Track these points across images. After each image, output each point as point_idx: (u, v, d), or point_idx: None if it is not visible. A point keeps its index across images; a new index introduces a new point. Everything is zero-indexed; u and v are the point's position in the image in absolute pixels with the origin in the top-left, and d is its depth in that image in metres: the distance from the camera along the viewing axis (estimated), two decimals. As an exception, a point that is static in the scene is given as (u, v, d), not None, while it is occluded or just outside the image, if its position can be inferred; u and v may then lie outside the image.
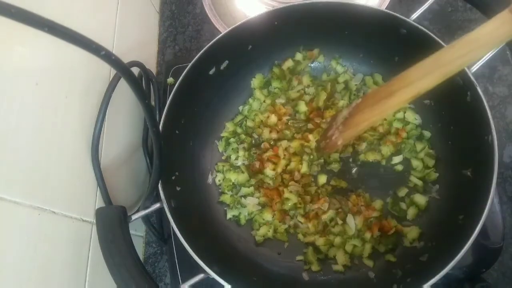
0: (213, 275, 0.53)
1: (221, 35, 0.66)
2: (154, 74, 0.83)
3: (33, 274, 0.45)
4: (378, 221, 0.66)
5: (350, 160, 0.72)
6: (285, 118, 0.74)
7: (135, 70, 0.72)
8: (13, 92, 0.43)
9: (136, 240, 0.62)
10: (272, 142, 0.74)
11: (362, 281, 0.63)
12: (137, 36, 0.82)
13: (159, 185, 0.57)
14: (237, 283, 0.53)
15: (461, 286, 0.62)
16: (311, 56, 0.77)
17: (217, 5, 0.88)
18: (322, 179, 0.70)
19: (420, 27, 0.62)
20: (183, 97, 0.65)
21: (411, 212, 0.66)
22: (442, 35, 0.81)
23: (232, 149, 0.74)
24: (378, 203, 0.68)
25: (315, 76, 0.78)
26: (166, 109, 0.63)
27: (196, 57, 0.65)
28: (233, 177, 0.71)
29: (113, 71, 0.64)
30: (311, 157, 0.71)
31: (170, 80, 0.78)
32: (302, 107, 0.75)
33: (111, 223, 0.52)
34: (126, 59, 0.60)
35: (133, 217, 0.56)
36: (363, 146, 0.71)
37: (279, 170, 0.71)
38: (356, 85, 0.76)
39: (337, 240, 0.66)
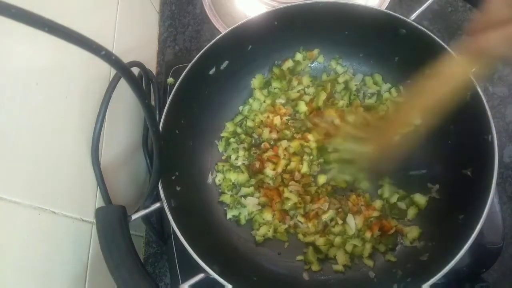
0: (214, 275, 0.53)
1: (221, 35, 0.66)
2: (154, 74, 0.83)
3: (33, 274, 0.45)
4: (378, 221, 0.66)
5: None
6: (285, 118, 0.74)
7: (135, 70, 0.72)
8: (13, 92, 0.43)
9: (136, 240, 0.62)
10: (272, 142, 0.74)
11: (363, 280, 0.63)
12: (137, 36, 0.82)
13: (159, 185, 0.57)
14: (238, 283, 0.53)
15: (461, 286, 0.62)
16: (311, 56, 0.77)
17: (217, 5, 0.88)
18: (322, 179, 0.70)
19: (419, 27, 0.62)
20: (183, 97, 0.65)
21: (411, 212, 0.66)
22: (442, 35, 0.81)
23: (232, 149, 0.74)
24: (378, 203, 0.68)
25: (315, 77, 0.78)
26: (166, 109, 0.63)
27: (196, 57, 0.65)
28: (233, 177, 0.71)
29: (113, 71, 0.64)
30: (311, 157, 0.71)
31: (170, 80, 0.78)
32: (302, 107, 0.75)
33: (111, 222, 0.52)
34: (126, 59, 0.60)
35: (133, 216, 0.55)
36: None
37: (279, 170, 0.71)
38: (356, 85, 0.76)
39: (337, 240, 0.66)
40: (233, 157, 0.73)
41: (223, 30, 0.77)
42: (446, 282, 0.59)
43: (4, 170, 0.41)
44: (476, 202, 0.54)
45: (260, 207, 0.69)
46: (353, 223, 0.66)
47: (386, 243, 0.64)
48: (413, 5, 0.66)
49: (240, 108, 0.77)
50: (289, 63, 0.77)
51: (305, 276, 0.65)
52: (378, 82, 0.75)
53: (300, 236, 0.68)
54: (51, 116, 0.50)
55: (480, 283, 0.61)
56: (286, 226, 0.68)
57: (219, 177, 0.72)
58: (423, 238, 0.63)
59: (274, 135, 0.74)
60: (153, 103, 0.76)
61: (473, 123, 0.59)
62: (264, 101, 0.77)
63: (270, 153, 0.72)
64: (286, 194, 0.69)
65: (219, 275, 0.53)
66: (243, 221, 0.69)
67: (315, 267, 0.65)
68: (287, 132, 0.73)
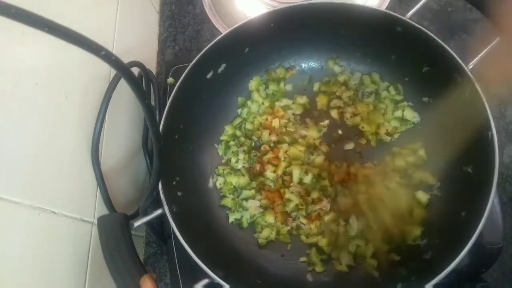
0: (218, 279, 0.53)
1: (217, 39, 0.66)
2: (154, 74, 0.83)
3: (33, 274, 0.45)
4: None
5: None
6: (283, 121, 0.74)
7: (135, 70, 0.72)
8: (13, 92, 0.43)
9: (136, 240, 0.62)
10: (271, 144, 0.74)
11: (367, 280, 0.63)
12: (137, 36, 0.82)
13: (160, 191, 0.57)
14: (242, 287, 0.53)
15: (461, 286, 0.62)
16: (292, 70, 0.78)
17: (217, 5, 0.88)
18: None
19: (415, 24, 0.62)
20: (181, 102, 0.65)
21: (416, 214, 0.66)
22: (442, 35, 0.81)
23: (232, 152, 0.74)
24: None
25: (312, 77, 0.78)
26: (164, 115, 0.63)
27: (193, 62, 0.65)
28: (234, 180, 0.71)
29: (113, 71, 0.64)
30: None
31: (170, 80, 0.78)
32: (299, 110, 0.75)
33: (113, 230, 0.52)
34: (126, 59, 0.60)
35: (135, 224, 0.56)
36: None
37: (280, 172, 0.71)
38: (355, 84, 0.76)
39: (340, 240, 0.66)
40: (233, 160, 0.73)
41: (223, 30, 0.77)
42: (446, 282, 0.59)
43: (4, 170, 0.41)
44: (478, 199, 0.54)
45: (261, 210, 0.69)
46: (355, 223, 0.66)
47: (389, 242, 0.64)
48: (413, 5, 0.67)
49: (239, 111, 0.77)
50: (280, 71, 0.77)
51: (309, 277, 0.65)
52: (376, 81, 0.75)
53: (303, 237, 0.67)
54: (51, 116, 0.50)
55: (480, 283, 0.61)
56: (289, 228, 0.68)
57: (219, 181, 0.72)
58: (426, 236, 0.63)
59: (273, 138, 0.74)
60: (153, 103, 0.76)
61: (472, 120, 0.58)
62: (263, 103, 0.77)
63: (270, 155, 0.72)
64: (287, 195, 0.69)
65: (223, 279, 0.53)
66: (245, 224, 0.69)
67: (318, 268, 0.65)
68: (285, 137, 0.73)
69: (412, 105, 0.72)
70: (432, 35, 0.61)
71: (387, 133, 0.72)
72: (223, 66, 0.71)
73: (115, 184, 0.64)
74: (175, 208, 0.59)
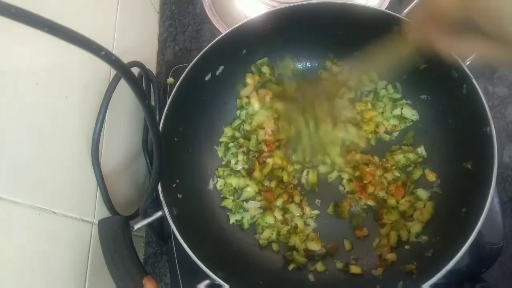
0: (219, 281, 0.53)
1: (214, 41, 0.66)
2: (154, 74, 0.83)
3: (33, 274, 0.45)
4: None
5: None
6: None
7: (135, 70, 0.72)
8: (13, 92, 0.43)
9: (136, 240, 0.62)
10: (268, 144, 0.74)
11: (368, 279, 0.63)
12: (137, 36, 0.82)
13: (160, 194, 0.57)
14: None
15: (461, 286, 0.62)
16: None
17: (217, 5, 0.88)
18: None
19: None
20: (180, 105, 0.65)
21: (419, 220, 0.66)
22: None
23: (232, 153, 0.74)
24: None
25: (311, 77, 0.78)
26: (164, 115, 0.63)
27: (191, 65, 0.65)
28: (234, 181, 0.71)
29: (113, 71, 0.64)
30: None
31: (170, 80, 0.78)
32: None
33: (114, 233, 0.53)
34: (126, 59, 0.60)
35: (136, 226, 0.56)
36: None
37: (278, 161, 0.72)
38: (353, 83, 0.76)
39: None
40: (232, 161, 0.73)
41: (223, 30, 0.77)
42: (446, 282, 0.59)
43: (4, 170, 0.41)
44: (478, 195, 0.54)
45: (262, 210, 0.69)
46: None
47: (391, 240, 0.64)
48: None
49: (238, 112, 0.77)
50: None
51: (311, 277, 0.64)
52: (374, 80, 0.75)
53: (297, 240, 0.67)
54: (51, 116, 0.50)
55: (480, 283, 0.61)
56: (289, 227, 0.68)
57: (220, 183, 0.72)
58: (427, 233, 0.63)
59: (269, 137, 0.74)
60: (153, 103, 0.76)
61: (471, 116, 0.59)
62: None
63: (266, 154, 0.72)
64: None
65: (224, 280, 0.53)
66: (246, 225, 0.69)
67: (320, 267, 0.65)
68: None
69: (410, 103, 0.72)
70: None
71: (386, 132, 0.72)
72: (221, 68, 0.71)
73: (115, 184, 0.64)
74: (176, 211, 0.59)
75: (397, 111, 0.72)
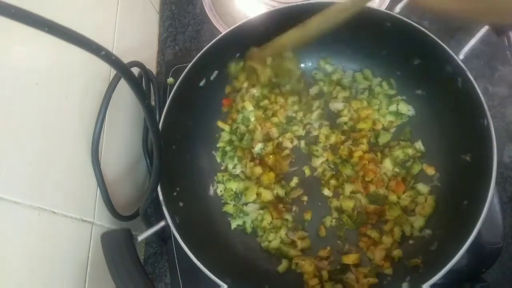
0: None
1: (207, 47, 0.66)
2: (154, 74, 0.83)
3: (33, 274, 0.45)
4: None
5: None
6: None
7: (135, 70, 0.72)
8: (13, 92, 0.43)
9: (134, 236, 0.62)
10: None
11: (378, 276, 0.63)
12: (137, 36, 0.82)
13: (162, 204, 0.58)
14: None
15: (461, 286, 0.62)
16: None
17: (217, 5, 0.88)
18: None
19: (403, 18, 0.63)
20: (176, 113, 0.65)
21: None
22: (442, 35, 0.81)
23: (229, 157, 0.74)
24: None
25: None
26: (163, 118, 0.63)
27: (185, 72, 0.65)
28: (234, 186, 0.71)
29: (113, 71, 0.64)
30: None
31: (170, 80, 0.78)
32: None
33: (118, 247, 0.53)
34: (126, 59, 0.60)
35: (139, 238, 0.56)
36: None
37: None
38: (347, 81, 0.76)
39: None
40: (230, 166, 0.73)
41: (223, 30, 0.77)
42: (446, 283, 0.59)
43: (4, 170, 0.41)
44: (479, 186, 0.54)
45: (261, 211, 0.69)
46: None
47: (395, 235, 0.65)
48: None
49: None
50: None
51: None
52: (368, 77, 0.75)
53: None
54: (51, 116, 0.50)
55: (480, 283, 0.61)
56: (286, 218, 0.68)
57: (220, 188, 0.72)
58: (430, 227, 0.63)
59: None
60: (153, 103, 0.76)
61: (467, 109, 0.59)
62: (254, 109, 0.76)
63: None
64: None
65: (231, 287, 0.53)
66: (249, 229, 0.69)
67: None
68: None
69: (405, 99, 0.73)
70: (421, 27, 0.61)
71: (384, 128, 0.72)
72: (215, 72, 0.71)
73: (115, 184, 0.64)
74: (178, 219, 0.59)
75: (393, 107, 0.73)
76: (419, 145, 0.69)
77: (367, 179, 0.68)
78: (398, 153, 0.69)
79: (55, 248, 0.49)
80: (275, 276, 0.65)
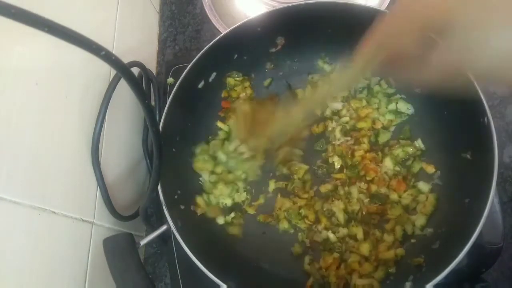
0: None
1: (205, 48, 0.66)
2: (154, 74, 0.83)
3: (33, 274, 0.45)
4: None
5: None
6: None
7: (135, 70, 0.72)
8: (13, 92, 0.43)
9: (136, 240, 0.62)
10: None
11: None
12: (137, 36, 0.82)
13: (164, 208, 0.58)
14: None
15: (461, 286, 0.62)
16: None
17: (217, 5, 0.88)
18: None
19: None
20: (175, 116, 0.65)
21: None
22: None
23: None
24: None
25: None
26: (163, 118, 0.63)
27: (185, 72, 0.65)
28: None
29: (113, 71, 0.64)
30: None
31: (170, 80, 0.78)
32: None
33: (121, 252, 0.53)
34: (126, 59, 0.60)
35: (142, 242, 0.56)
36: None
37: None
38: None
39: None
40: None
41: (223, 30, 0.77)
42: (446, 282, 0.59)
43: (4, 170, 0.41)
44: (481, 184, 0.54)
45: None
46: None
47: (396, 234, 0.64)
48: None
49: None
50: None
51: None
52: (366, 76, 0.75)
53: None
54: (51, 116, 0.50)
55: (480, 283, 0.61)
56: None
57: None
58: (432, 225, 0.63)
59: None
60: (153, 103, 0.76)
61: (467, 107, 0.59)
62: None
63: None
64: None
65: None
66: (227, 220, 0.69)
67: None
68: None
69: (404, 97, 0.73)
70: None
71: (383, 127, 0.72)
72: (213, 74, 0.71)
73: (115, 184, 0.64)
74: (180, 222, 0.59)
75: (392, 106, 0.73)
76: (419, 143, 0.69)
77: (368, 178, 0.68)
78: (398, 151, 0.69)
79: (55, 248, 0.49)
80: (276, 277, 0.65)
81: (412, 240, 0.64)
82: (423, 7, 0.37)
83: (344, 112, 0.74)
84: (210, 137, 0.74)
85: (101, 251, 0.53)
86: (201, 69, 0.68)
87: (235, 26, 0.66)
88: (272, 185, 0.71)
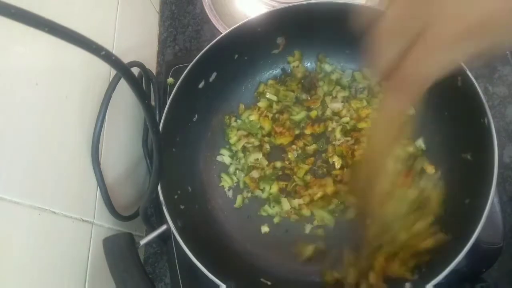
0: None
1: (205, 49, 0.66)
2: (154, 74, 0.83)
3: (33, 274, 0.45)
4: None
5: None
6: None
7: (135, 70, 0.72)
8: (13, 92, 0.43)
9: (136, 240, 0.62)
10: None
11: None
12: (137, 36, 0.82)
13: (164, 207, 0.57)
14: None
15: (461, 286, 0.61)
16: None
17: (217, 5, 0.88)
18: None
19: None
20: (175, 115, 0.65)
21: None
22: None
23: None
24: None
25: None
26: (163, 118, 0.63)
27: (185, 72, 0.65)
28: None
29: (113, 71, 0.64)
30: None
31: (170, 80, 0.78)
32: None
33: (121, 252, 0.53)
34: (126, 59, 0.60)
35: (141, 242, 0.56)
36: None
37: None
38: (347, 81, 0.76)
39: None
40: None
41: (223, 30, 0.77)
42: (446, 283, 0.59)
43: (4, 170, 0.41)
44: (481, 184, 0.54)
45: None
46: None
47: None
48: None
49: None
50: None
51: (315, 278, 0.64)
52: (367, 76, 0.75)
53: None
54: (51, 116, 0.50)
55: (480, 283, 0.61)
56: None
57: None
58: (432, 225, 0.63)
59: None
60: (153, 103, 0.76)
61: (467, 108, 0.59)
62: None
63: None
64: None
65: None
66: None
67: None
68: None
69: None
70: None
71: None
72: (214, 74, 0.71)
73: (115, 184, 0.64)
74: (180, 222, 0.59)
75: None
76: (419, 143, 0.69)
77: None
78: (399, 151, 0.69)
79: (55, 248, 0.49)
80: (277, 277, 0.65)
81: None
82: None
83: (344, 112, 0.74)
84: (209, 134, 0.75)
85: (101, 251, 0.53)
86: (201, 69, 0.68)
87: (235, 26, 0.66)
88: (274, 187, 0.71)
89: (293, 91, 0.76)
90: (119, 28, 0.70)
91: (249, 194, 0.72)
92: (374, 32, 0.38)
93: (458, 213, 0.59)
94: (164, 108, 0.63)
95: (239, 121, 0.75)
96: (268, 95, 0.76)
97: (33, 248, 0.45)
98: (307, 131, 0.73)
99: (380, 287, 0.58)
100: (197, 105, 0.72)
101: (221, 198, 0.72)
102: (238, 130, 0.75)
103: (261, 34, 0.69)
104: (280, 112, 0.75)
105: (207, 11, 0.88)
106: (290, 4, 0.67)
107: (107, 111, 0.59)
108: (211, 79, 0.71)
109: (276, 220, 0.69)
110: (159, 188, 0.57)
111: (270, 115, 0.75)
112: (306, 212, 0.68)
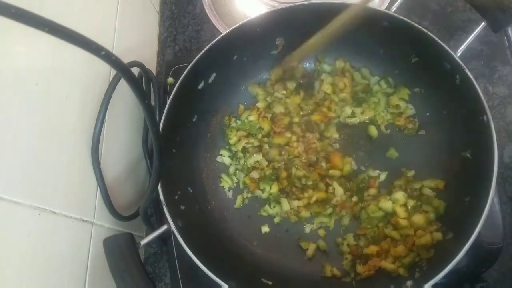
0: None
1: (205, 49, 0.66)
2: (154, 74, 0.84)
3: (33, 274, 0.45)
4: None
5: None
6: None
7: (135, 70, 0.72)
8: (13, 92, 0.43)
9: (136, 240, 0.62)
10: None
11: (382, 273, 0.63)
12: (137, 36, 0.82)
13: (164, 207, 0.58)
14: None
15: (461, 286, 0.62)
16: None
17: (217, 5, 0.88)
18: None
19: (400, 17, 0.63)
20: (175, 115, 0.65)
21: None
22: (442, 35, 0.81)
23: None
24: None
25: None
26: (163, 118, 0.63)
27: (185, 72, 0.65)
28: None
29: (113, 71, 0.64)
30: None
31: (170, 80, 0.78)
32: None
33: (121, 251, 0.53)
34: (126, 59, 0.60)
35: (142, 242, 0.56)
36: None
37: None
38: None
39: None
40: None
41: (223, 30, 0.77)
42: (446, 282, 0.59)
43: (4, 170, 0.41)
44: (481, 183, 0.54)
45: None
46: None
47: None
48: (411, 3, 0.67)
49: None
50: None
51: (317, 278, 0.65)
52: (366, 76, 0.75)
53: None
54: (51, 116, 0.50)
55: (480, 283, 0.61)
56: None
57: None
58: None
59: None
60: (153, 103, 0.76)
61: (466, 106, 0.59)
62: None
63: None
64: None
65: None
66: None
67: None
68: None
69: (405, 98, 0.73)
70: (418, 26, 0.61)
71: (384, 126, 0.73)
72: (213, 75, 0.71)
73: (115, 184, 0.64)
74: (180, 222, 0.59)
75: (391, 106, 0.73)
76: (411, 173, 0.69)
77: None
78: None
79: (55, 248, 0.49)
80: (278, 276, 0.65)
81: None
82: None
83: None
84: (209, 135, 0.75)
85: (101, 251, 0.54)
86: (201, 70, 0.68)
87: (235, 26, 0.66)
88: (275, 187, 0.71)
89: (292, 91, 0.76)
90: (119, 28, 0.70)
91: (249, 195, 0.72)
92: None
93: (458, 211, 0.59)
94: (164, 108, 0.63)
95: (238, 121, 0.75)
96: (266, 96, 0.76)
97: (33, 248, 0.45)
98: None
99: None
100: (196, 105, 0.72)
101: (221, 199, 0.72)
102: (237, 130, 0.75)
103: (261, 34, 0.69)
104: (279, 113, 0.75)
105: (207, 11, 0.88)
106: (290, 4, 0.67)
107: (107, 111, 0.59)
108: (210, 80, 0.71)
109: (276, 220, 0.70)
110: (159, 188, 0.57)
111: (269, 115, 0.75)
112: (305, 213, 0.68)
